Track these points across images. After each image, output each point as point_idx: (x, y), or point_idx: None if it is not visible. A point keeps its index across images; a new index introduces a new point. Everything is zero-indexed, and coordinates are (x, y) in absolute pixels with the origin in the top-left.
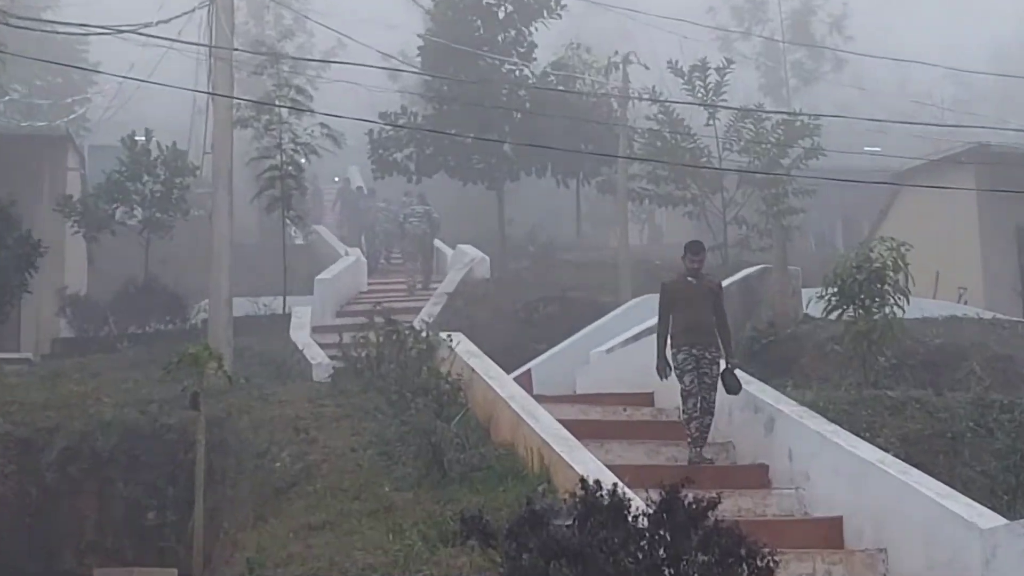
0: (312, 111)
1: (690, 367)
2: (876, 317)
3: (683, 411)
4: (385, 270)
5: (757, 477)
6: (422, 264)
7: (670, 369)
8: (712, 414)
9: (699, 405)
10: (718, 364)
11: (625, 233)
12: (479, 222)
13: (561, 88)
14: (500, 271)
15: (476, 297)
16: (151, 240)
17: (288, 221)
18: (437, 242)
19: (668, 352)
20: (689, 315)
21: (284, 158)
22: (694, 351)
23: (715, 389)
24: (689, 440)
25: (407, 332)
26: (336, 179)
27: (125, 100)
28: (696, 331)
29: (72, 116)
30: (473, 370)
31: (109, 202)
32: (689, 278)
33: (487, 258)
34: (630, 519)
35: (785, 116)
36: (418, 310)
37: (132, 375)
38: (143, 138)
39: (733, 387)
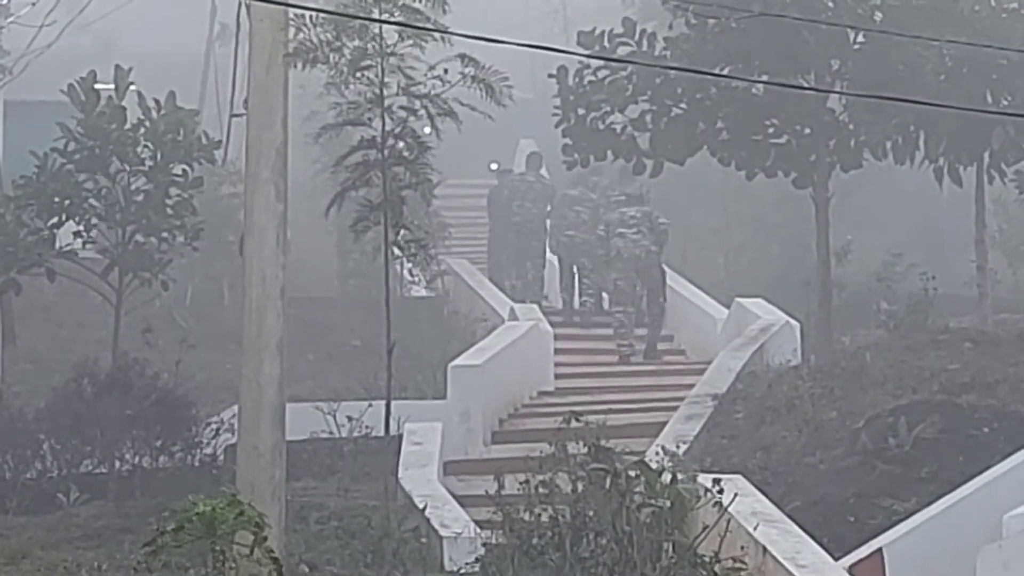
0: (444, 31)
1: None
2: None
3: None
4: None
5: None
6: (648, 309)
7: None
8: None
9: None
10: None
11: None
12: (771, 252)
13: None
14: (822, 351)
15: (772, 403)
16: (126, 290)
17: (397, 251)
18: (678, 281)
19: None
20: None
21: (390, 125)
22: None
23: None
24: None
25: (634, 474)
26: (494, 166)
27: (77, 13)
28: None
29: None
30: (766, 550)
31: (43, 214)
32: None
33: (796, 325)
34: None
35: None
36: (656, 428)
37: (84, 556)
38: (109, 86)
39: None
